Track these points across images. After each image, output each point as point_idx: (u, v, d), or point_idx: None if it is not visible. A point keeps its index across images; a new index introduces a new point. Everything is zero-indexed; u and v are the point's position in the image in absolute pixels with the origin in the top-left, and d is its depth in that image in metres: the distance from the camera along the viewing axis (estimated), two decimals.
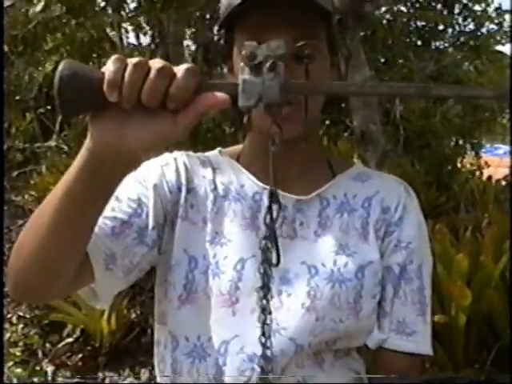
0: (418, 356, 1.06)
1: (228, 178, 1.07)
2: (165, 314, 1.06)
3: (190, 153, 1.12)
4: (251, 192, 1.05)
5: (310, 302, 0.98)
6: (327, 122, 5.69)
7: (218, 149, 1.14)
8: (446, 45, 7.93)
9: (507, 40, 7.42)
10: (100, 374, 3.73)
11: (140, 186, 1.02)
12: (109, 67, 0.68)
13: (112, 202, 0.98)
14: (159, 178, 1.04)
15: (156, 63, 0.68)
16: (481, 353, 2.93)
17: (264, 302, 0.82)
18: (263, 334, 0.83)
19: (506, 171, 6.55)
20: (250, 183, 1.06)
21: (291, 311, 0.98)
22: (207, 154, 1.13)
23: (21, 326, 4.11)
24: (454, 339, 2.86)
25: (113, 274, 0.95)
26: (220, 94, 0.69)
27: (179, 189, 1.05)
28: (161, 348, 1.08)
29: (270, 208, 0.77)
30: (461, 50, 7.54)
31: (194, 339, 1.01)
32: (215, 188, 1.06)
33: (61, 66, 0.69)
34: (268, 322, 0.83)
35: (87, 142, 0.74)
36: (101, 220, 0.93)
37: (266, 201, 1.03)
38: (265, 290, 0.81)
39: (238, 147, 1.13)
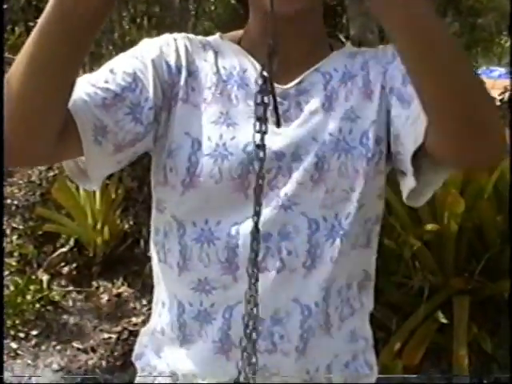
0: None
1: (230, 62, 1.03)
2: (163, 201, 1.03)
3: (191, 35, 1.07)
4: (254, 77, 1.01)
5: (318, 174, 0.98)
6: None
7: (218, 33, 1.09)
8: None
9: None
10: (94, 283, 3.80)
11: (137, 62, 0.97)
12: None
13: (105, 74, 0.94)
14: (158, 55, 1.00)
15: None
16: (470, 262, 2.98)
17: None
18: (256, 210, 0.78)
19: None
20: (253, 68, 1.02)
21: (300, 185, 0.98)
22: (208, 38, 1.09)
23: (15, 237, 4.14)
24: (445, 248, 2.91)
25: (102, 148, 0.91)
26: None
27: (179, 70, 1.01)
28: (160, 236, 1.06)
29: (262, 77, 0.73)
30: None
31: (202, 224, 0.99)
32: (217, 71, 1.02)
33: None
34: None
35: None
36: (92, 89, 0.90)
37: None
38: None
39: (239, 32, 1.09)
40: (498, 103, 6.12)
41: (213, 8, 6.85)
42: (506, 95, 6.00)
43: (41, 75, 0.79)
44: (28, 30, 6.76)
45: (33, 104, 0.81)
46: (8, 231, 4.22)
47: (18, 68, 0.80)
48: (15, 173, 4.93)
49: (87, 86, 0.91)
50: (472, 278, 2.93)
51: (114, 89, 0.93)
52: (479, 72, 8.23)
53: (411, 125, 0.92)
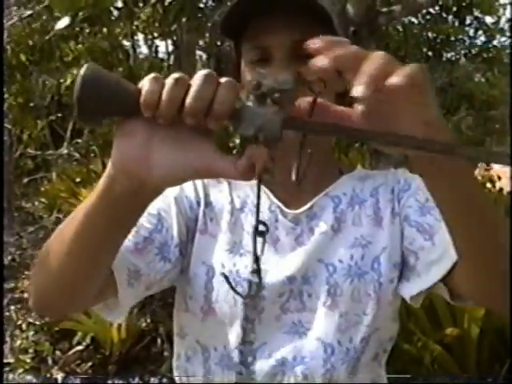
0: None
1: (244, 192, 1.08)
2: (185, 327, 1.07)
3: None
4: (267, 204, 1.06)
5: (331, 300, 0.99)
6: None
7: None
8: (458, 56, 7.93)
9: None
10: (109, 382, 3.73)
11: (160, 202, 1.01)
12: (146, 84, 0.63)
13: None
14: (179, 194, 1.05)
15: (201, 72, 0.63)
16: (493, 366, 2.91)
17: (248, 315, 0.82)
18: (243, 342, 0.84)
19: None
20: (265, 195, 1.06)
21: (313, 311, 1.00)
22: None
23: (31, 332, 4.12)
24: (467, 352, 2.85)
25: (133, 290, 0.94)
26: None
27: (198, 203, 1.06)
28: (181, 361, 1.09)
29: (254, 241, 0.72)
30: (473, 61, 7.54)
31: (222, 349, 1.02)
32: (232, 201, 1.07)
33: (83, 70, 0.62)
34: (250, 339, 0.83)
35: (109, 168, 0.68)
36: None
37: (280, 215, 1.04)
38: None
39: None
40: None
41: None
42: None
43: (88, 251, 0.76)
44: (50, 125, 6.97)
45: (79, 276, 0.80)
46: (24, 326, 4.20)
47: (62, 241, 0.77)
48: (30, 269, 4.95)
49: None
50: (496, 382, 2.86)
51: (143, 232, 0.97)
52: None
53: (436, 260, 0.94)
